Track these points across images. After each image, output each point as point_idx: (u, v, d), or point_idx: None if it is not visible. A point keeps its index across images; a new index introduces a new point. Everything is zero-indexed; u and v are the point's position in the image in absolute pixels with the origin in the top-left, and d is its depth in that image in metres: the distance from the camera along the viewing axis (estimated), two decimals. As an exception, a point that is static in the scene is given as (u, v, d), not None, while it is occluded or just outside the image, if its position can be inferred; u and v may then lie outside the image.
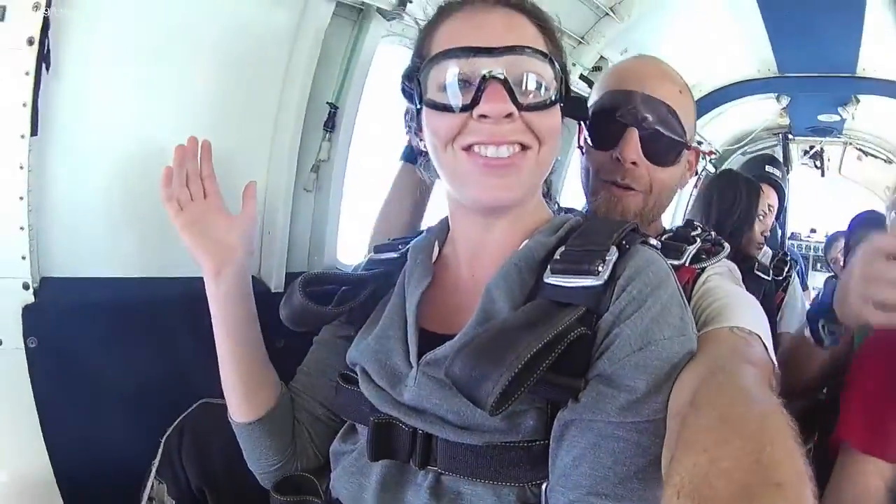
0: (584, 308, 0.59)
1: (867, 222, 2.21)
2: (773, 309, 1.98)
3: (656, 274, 0.62)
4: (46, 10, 0.80)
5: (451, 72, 0.64)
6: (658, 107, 0.89)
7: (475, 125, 0.64)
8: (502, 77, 0.62)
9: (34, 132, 0.83)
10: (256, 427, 0.81)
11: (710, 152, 2.77)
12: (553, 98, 0.66)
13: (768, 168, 2.02)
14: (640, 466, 0.55)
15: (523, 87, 0.64)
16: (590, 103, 0.97)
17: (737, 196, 1.79)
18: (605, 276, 0.60)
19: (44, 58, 0.82)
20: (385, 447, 0.67)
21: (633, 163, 0.89)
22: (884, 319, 0.68)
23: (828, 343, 0.93)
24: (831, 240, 3.35)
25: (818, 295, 2.92)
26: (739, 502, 0.37)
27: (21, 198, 0.84)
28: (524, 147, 0.65)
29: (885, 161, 3.51)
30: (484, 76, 0.62)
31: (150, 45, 0.95)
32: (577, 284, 0.61)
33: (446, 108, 0.65)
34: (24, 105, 0.81)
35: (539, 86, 0.65)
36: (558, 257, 0.65)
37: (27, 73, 0.81)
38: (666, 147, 0.91)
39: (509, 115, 0.63)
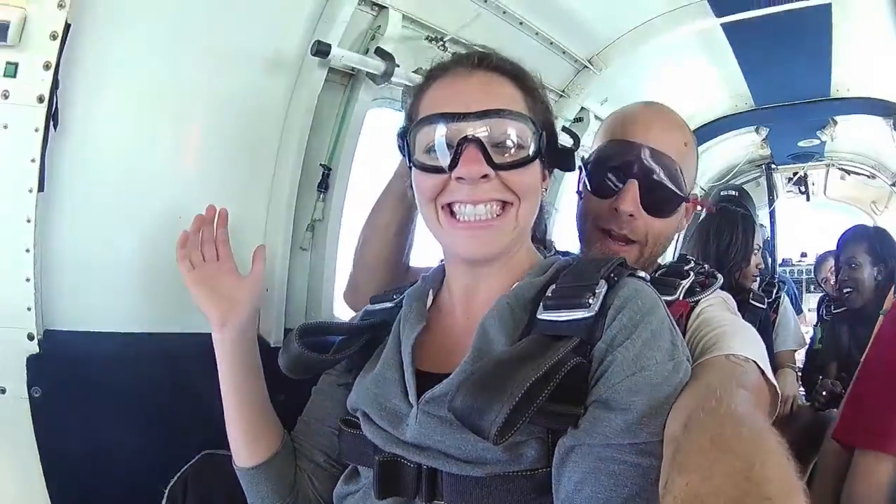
0: (578, 339, 0.61)
1: (855, 237, 2.26)
2: (770, 334, 2.02)
3: (645, 302, 0.64)
4: (56, 69, 0.85)
5: (432, 136, 0.69)
6: (661, 160, 0.88)
7: (455, 185, 0.68)
8: (477, 139, 0.67)
9: (41, 187, 0.86)
10: (259, 472, 0.82)
11: (701, 202, 2.79)
12: (531, 155, 0.70)
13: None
14: (642, 487, 0.56)
15: (501, 147, 0.68)
16: (593, 147, 0.98)
17: (734, 233, 1.83)
18: (596, 308, 0.63)
19: (52, 115, 0.86)
20: (391, 484, 0.68)
21: (631, 214, 0.88)
22: None
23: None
24: (820, 260, 3.38)
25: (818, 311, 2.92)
26: None
27: (28, 250, 0.86)
28: (505, 204, 0.69)
29: (868, 176, 3.58)
30: (460, 140, 0.67)
31: (153, 107, 1.00)
32: (570, 318, 0.63)
33: (429, 169, 0.70)
34: (33, 161, 0.85)
35: (515, 144, 0.69)
36: (550, 294, 0.67)
37: (36, 130, 0.85)
38: (665, 199, 0.90)
39: (485, 177, 0.67)
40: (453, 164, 0.67)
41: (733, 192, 2.08)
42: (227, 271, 0.91)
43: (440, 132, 0.68)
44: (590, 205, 0.94)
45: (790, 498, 0.39)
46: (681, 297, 0.83)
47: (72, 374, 0.91)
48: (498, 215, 0.69)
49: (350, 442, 0.76)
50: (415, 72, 1.23)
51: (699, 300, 0.84)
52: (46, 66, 0.84)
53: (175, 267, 0.90)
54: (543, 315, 0.66)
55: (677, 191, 0.90)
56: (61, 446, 0.90)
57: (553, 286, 0.69)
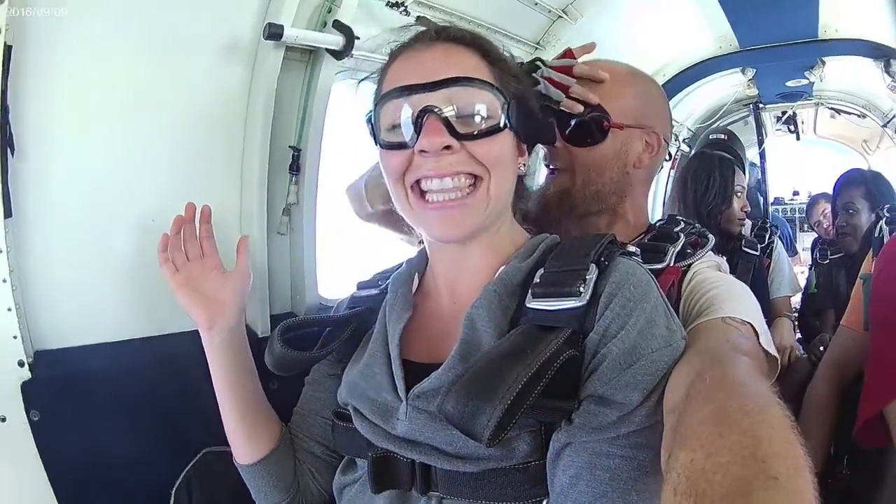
0: (570, 330, 0.59)
1: (852, 182, 2.24)
2: (765, 280, 2.02)
3: (637, 286, 0.62)
4: (3, 94, 0.81)
5: (394, 111, 0.67)
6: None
7: (419, 160, 0.66)
8: (437, 110, 0.64)
9: (8, 214, 0.85)
10: (260, 467, 0.84)
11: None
12: (499, 125, 0.67)
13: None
14: (638, 480, 0.57)
15: (467, 117, 0.66)
16: None
17: (711, 175, 1.82)
18: (587, 297, 0.61)
19: (7, 142, 0.83)
20: (386, 479, 0.69)
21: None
22: None
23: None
24: (812, 202, 3.38)
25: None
26: (736, 497, 0.37)
27: (4, 280, 0.85)
28: (476, 178, 0.67)
29: (859, 116, 3.53)
30: (420, 111, 0.65)
31: (111, 113, 0.97)
32: (560, 307, 0.61)
33: (392, 147, 0.68)
34: None
35: (482, 115, 0.66)
36: (538, 280, 0.65)
37: None
38: (579, 127, 0.92)
39: (448, 148, 0.65)
40: (416, 138, 0.65)
41: (722, 136, 2.05)
42: (213, 268, 0.90)
43: (400, 106, 0.66)
44: None
45: (797, 476, 0.38)
46: (671, 263, 0.83)
47: (68, 392, 0.92)
48: (468, 193, 0.67)
49: (343, 435, 0.77)
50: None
51: (691, 264, 0.84)
52: None
53: (158, 270, 0.89)
54: (532, 303, 0.63)
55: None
56: (67, 464, 0.91)
57: (541, 270, 0.67)
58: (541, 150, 0.98)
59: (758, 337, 0.69)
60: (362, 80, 0.83)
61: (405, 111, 0.66)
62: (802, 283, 2.60)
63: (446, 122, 0.64)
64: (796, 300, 2.49)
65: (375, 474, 0.69)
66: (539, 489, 0.62)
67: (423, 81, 0.65)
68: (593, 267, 0.63)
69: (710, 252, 0.88)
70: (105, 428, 0.95)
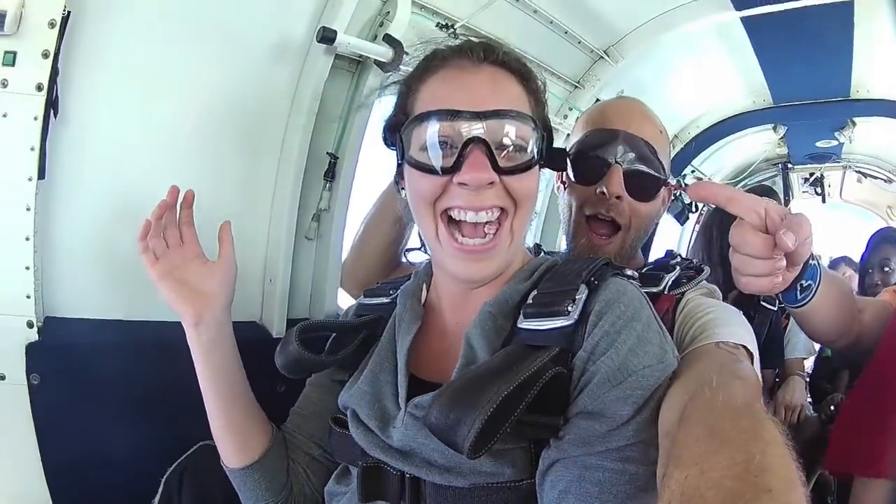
0: (558, 348, 0.59)
1: (888, 238, 2.21)
2: (781, 337, 1.97)
3: (628, 305, 0.61)
4: (55, 58, 0.83)
5: (434, 133, 0.64)
6: (640, 145, 0.93)
7: (456, 190, 0.64)
8: (484, 142, 0.62)
9: (41, 175, 0.85)
10: (250, 471, 0.80)
11: (680, 186, 2.73)
12: (533, 159, 0.66)
13: None
14: (628, 493, 0.55)
15: (503, 148, 0.65)
16: (573, 140, 1.00)
17: None
18: (576, 315, 0.60)
19: (52, 103, 0.84)
20: (374, 490, 0.67)
21: (618, 197, 0.92)
22: (744, 284, 0.67)
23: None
24: (833, 265, 3.33)
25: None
26: None
27: (27, 238, 0.86)
28: (502, 211, 0.66)
29: (885, 181, 3.52)
30: (466, 141, 0.63)
31: (155, 95, 0.98)
32: (549, 326, 0.61)
33: (428, 170, 0.65)
34: (33, 149, 0.84)
35: (519, 147, 0.65)
36: (530, 301, 0.65)
37: (35, 119, 0.84)
38: (646, 182, 0.94)
39: (491, 184, 0.63)
40: (456, 166, 0.63)
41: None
42: (194, 257, 0.84)
43: (443, 130, 0.64)
44: (575, 193, 0.97)
45: (791, 489, 0.38)
46: (666, 291, 0.83)
47: (71, 362, 0.91)
48: (496, 231, 0.66)
49: (339, 441, 0.75)
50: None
51: (685, 292, 0.84)
52: (45, 55, 0.83)
53: None
54: (523, 324, 0.64)
55: (656, 174, 0.94)
56: (59, 433, 0.89)
57: (535, 292, 0.66)
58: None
59: (752, 359, 0.69)
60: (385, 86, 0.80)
61: (447, 135, 0.64)
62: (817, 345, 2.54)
63: (490, 155, 0.63)
64: (809, 362, 2.45)
65: (364, 484, 0.68)
66: None
67: (472, 109, 0.63)
68: (583, 287, 0.63)
69: (704, 281, 0.89)
70: (102, 406, 0.93)
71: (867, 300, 1.18)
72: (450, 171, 0.64)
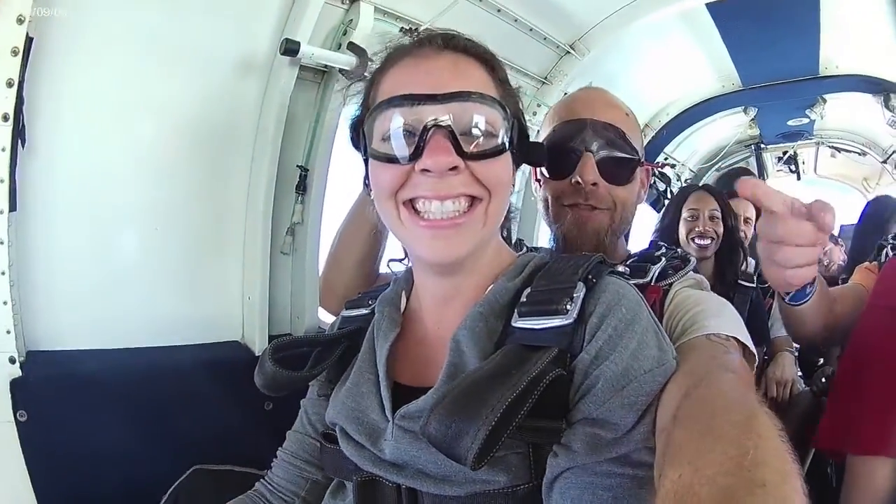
0: (557, 349, 0.57)
1: (882, 205, 2.24)
2: (763, 315, 1.99)
3: (629, 308, 0.60)
4: (20, 86, 0.81)
5: (393, 121, 0.61)
6: (609, 130, 0.94)
7: (418, 178, 0.61)
8: (446, 125, 0.60)
9: (13, 207, 0.83)
10: None
11: (660, 164, 2.77)
12: (503, 145, 0.63)
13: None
14: (641, 497, 0.54)
15: (470, 135, 0.62)
16: (543, 136, 0.99)
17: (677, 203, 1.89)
18: (575, 314, 0.58)
19: (19, 133, 0.83)
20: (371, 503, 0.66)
21: (594, 184, 0.92)
22: (790, 277, 0.67)
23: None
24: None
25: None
26: None
27: (3, 273, 0.84)
28: (473, 199, 0.63)
29: (859, 154, 3.56)
30: (426, 125, 0.60)
31: (123, 117, 0.96)
32: (547, 325, 0.59)
33: (389, 160, 0.62)
34: (2, 181, 0.82)
35: (487, 133, 0.62)
36: (525, 299, 0.62)
37: (3, 150, 0.81)
38: (620, 165, 0.95)
39: (454, 168, 0.60)
40: (417, 153, 0.60)
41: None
42: None
43: (402, 117, 0.61)
44: (551, 187, 0.97)
45: (786, 482, 0.38)
46: (653, 282, 0.83)
47: (57, 395, 0.89)
48: (465, 212, 0.62)
49: (331, 457, 0.73)
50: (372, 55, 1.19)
51: (672, 283, 0.84)
52: (10, 84, 0.81)
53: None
54: (519, 323, 0.61)
55: (629, 156, 0.95)
56: (52, 469, 0.88)
57: (528, 290, 0.64)
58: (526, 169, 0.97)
59: (744, 350, 0.69)
60: (351, 95, 0.77)
61: (407, 122, 0.61)
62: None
63: (453, 140, 0.60)
64: (797, 339, 2.49)
65: (361, 499, 0.66)
66: None
67: (432, 92, 0.60)
68: (581, 285, 0.60)
69: (691, 272, 0.89)
70: (93, 437, 0.92)
71: (839, 290, 1.20)
72: (412, 158, 0.61)
